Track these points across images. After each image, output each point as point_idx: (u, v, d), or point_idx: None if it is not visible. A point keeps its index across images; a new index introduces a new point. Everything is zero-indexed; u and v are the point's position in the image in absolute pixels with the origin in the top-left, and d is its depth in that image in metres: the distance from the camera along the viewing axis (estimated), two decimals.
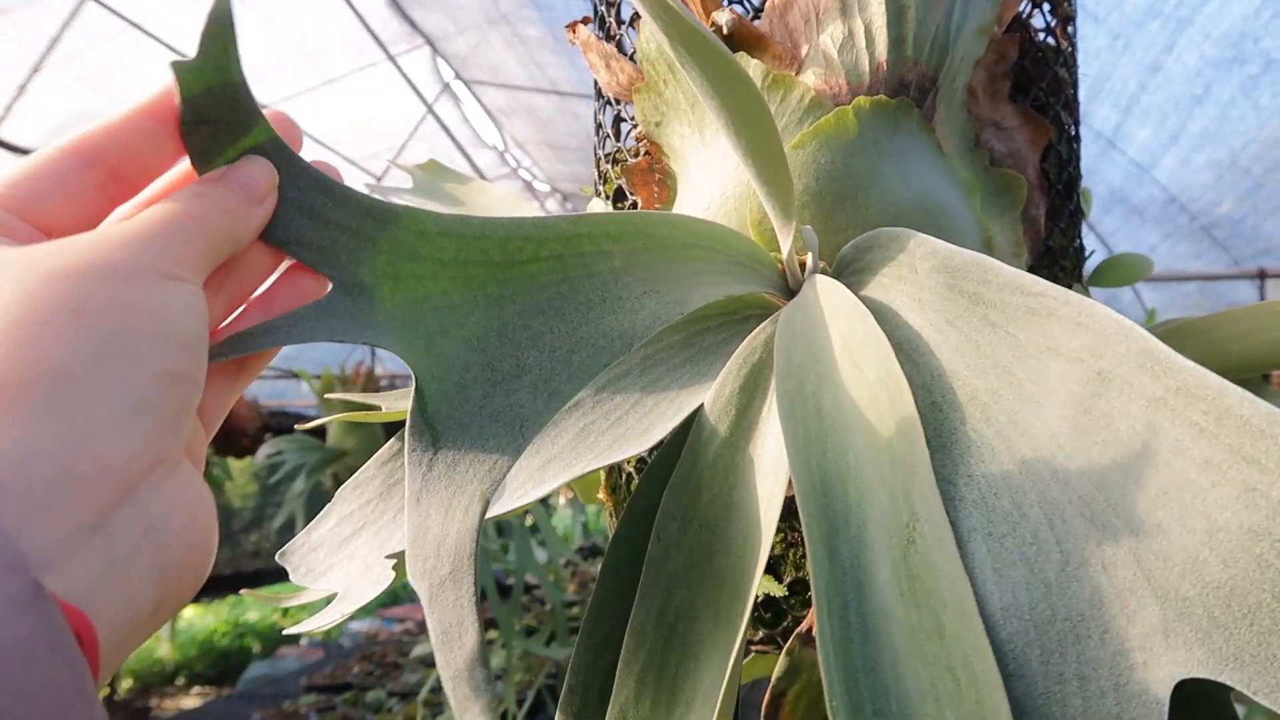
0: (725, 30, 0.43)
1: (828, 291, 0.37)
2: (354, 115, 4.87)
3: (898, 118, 0.42)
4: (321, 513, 0.43)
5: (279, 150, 0.31)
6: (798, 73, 0.44)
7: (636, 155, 0.52)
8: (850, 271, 0.39)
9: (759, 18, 0.47)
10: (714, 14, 0.43)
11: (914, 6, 0.42)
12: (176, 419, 0.26)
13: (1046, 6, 0.51)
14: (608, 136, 0.55)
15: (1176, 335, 0.45)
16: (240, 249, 0.30)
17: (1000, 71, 0.47)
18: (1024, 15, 0.50)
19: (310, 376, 3.22)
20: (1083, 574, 0.24)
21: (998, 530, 0.27)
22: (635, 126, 0.51)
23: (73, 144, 0.29)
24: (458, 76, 5.23)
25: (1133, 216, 3.58)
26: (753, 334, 0.39)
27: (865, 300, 0.36)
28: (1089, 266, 0.66)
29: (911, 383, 0.32)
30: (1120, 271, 0.57)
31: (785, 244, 0.39)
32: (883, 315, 0.35)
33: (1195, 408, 0.24)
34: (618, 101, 0.53)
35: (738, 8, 0.47)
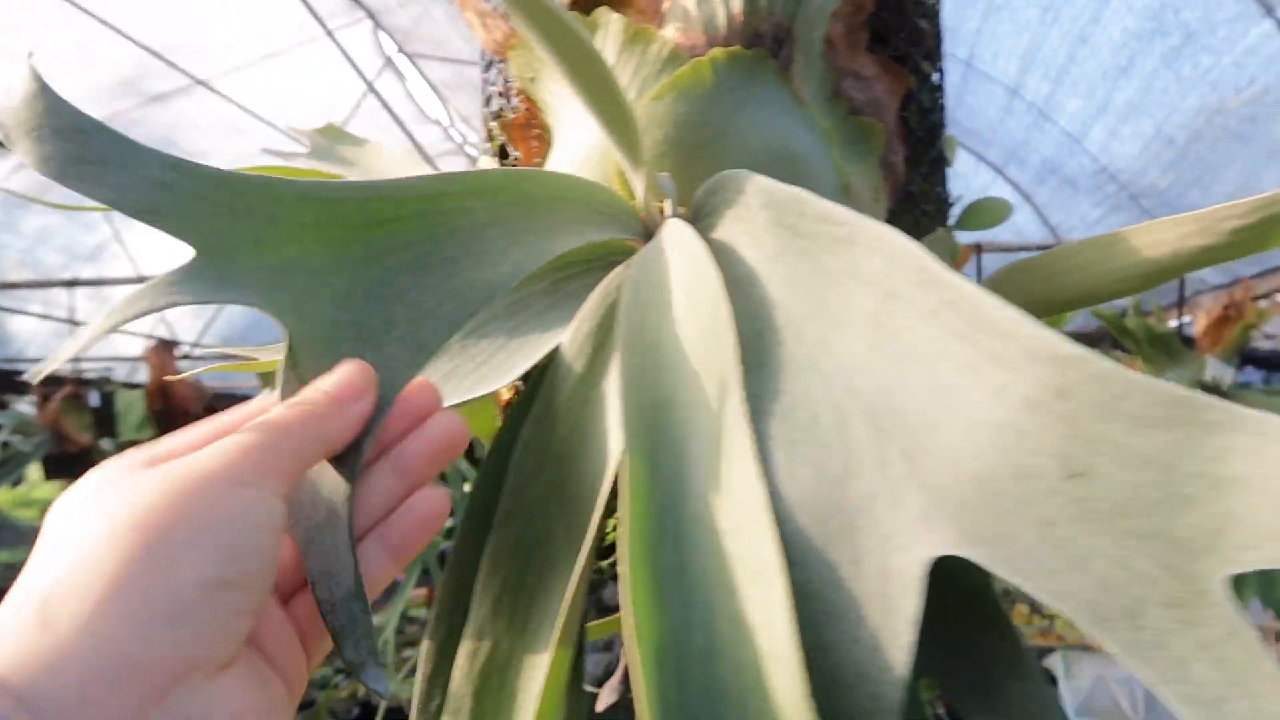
0: None
1: (675, 234, 0.38)
2: (297, 90, 4.78)
3: (753, 69, 0.44)
4: None
5: (119, 142, 0.31)
6: (660, 26, 0.45)
7: (516, 113, 0.53)
8: (702, 215, 0.41)
9: None
10: None
11: None
12: (219, 625, 0.27)
13: None
14: (494, 95, 0.56)
15: (1021, 271, 0.48)
16: (337, 448, 0.32)
17: (858, 23, 0.49)
18: None
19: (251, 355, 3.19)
20: (861, 472, 0.27)
21: (795, 438, 0.29)
22: (513, 85, 0.53)
23: None
24: (400, 50, 5.16)
25: (1065, 187, 3.66)
26: (608, 277, 0.40)
27: (712, 241, 0.38)
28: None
29: (743, 313, 0.34)
30: (983, 216, 0.60)
31: (639, 191, 0.41)
32: (725, 254, 0.37)
33: (960, 317, 0.27)
34: (497, 60, 0.54)
35: None
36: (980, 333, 0.26)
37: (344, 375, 0.32)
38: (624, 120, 0.38)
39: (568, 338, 0.39)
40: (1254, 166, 2.78)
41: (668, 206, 0.42)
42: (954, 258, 0.56)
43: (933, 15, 0.54)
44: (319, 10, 4.28)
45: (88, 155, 0.30)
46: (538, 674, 0.34)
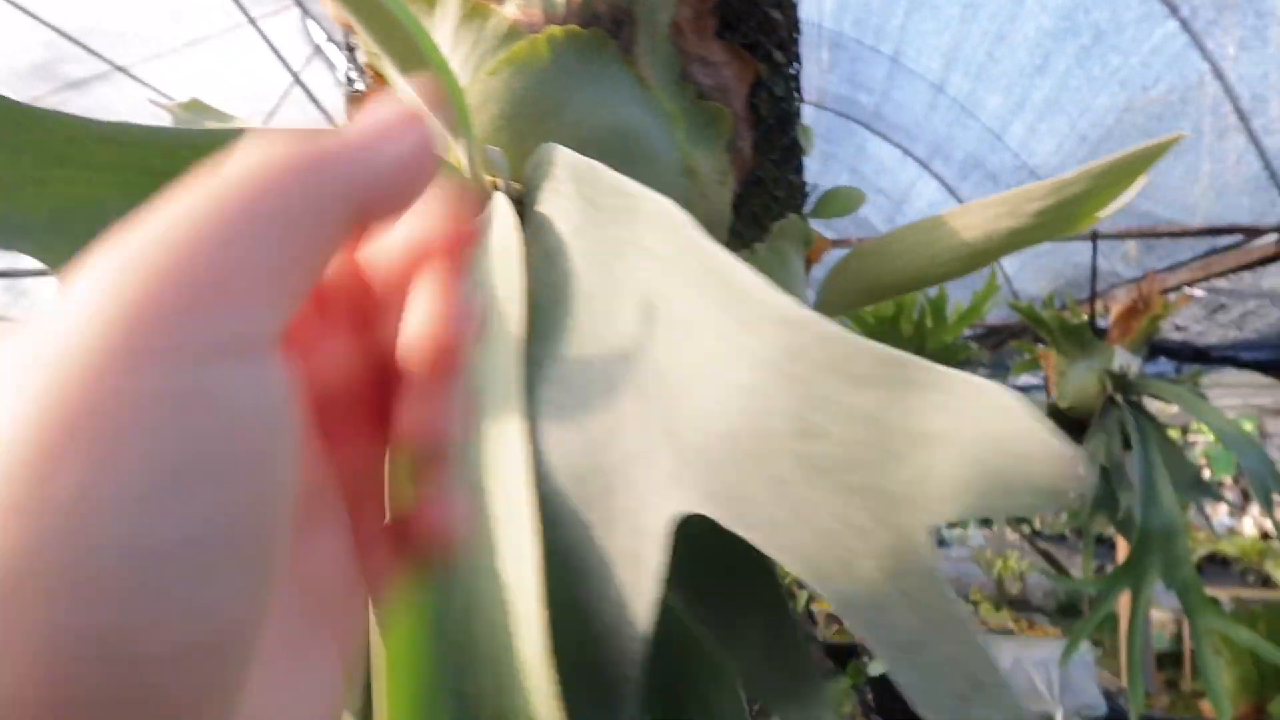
0: None
1: (497, 207, 0.39)
2: (222, 79, 4.67)
3: (591, 48, 0.45)
4: None
5: None
6: (500, 4, 0.46)
7: (367, 89, 0.53)
8: (530, 188, 0.41)
9: None
10: None
11: None
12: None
13: None
14: (346, 72, 0.56)
15: (859, 257, 0.50)
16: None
17: (706, 9, 0.50)
18: None
19: None
20: (623, 436, 0.28)
21: (565, 402, 0.30)
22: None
23: None
24: (330, 39, 5.07)
25: (987, 182, 3.74)
26: None
27: (536, 214, 0.39)
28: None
29: (548, 283, 0.35)
30: (836, 204, 0.62)
31: (464, 163, 0.41)
32: (543, 226, 0.38)
33: (718, 286, 0.27)
34: (350, 37, 0.54)
35: None
36: (734, 299, 0.27)
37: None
38: (446, 93, 0.38)
39: None
40: (1162, 164, 2.87)
41: (500, 180, 0.42)
42: (809, 244, 0.57)
43: (786, 6, 0.55)
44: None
45: None
46: None
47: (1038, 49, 2.74)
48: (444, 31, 0.45)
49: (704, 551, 0.28)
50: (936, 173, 4.01)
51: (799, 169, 0.57)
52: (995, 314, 4.49)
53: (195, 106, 0.64)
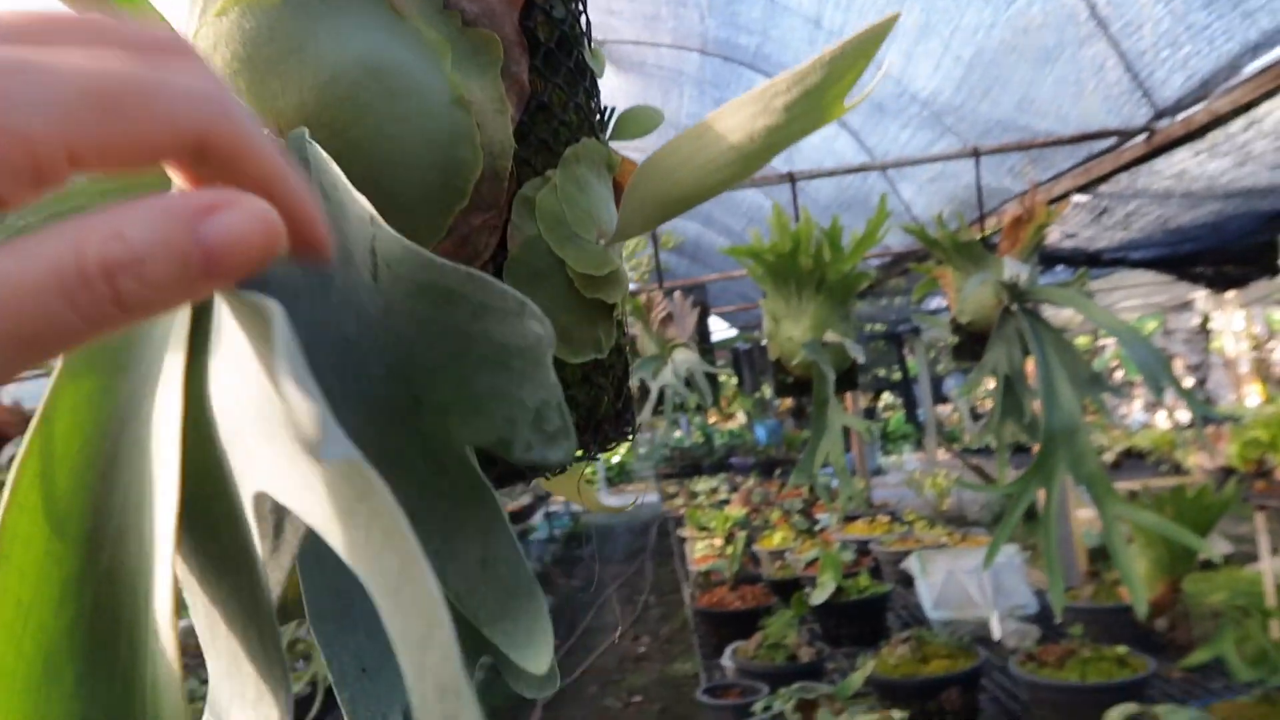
0: None
1: None
2: None
3: None
4: None
5: None
6: None
7: None
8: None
9: None
10: None
11: None
12: None
13: None
14: None
15: (642, 175, 0.49)
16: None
17: None
18: None
19: None
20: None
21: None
22: None
23: None
24: None
25: (875, 113, 3.79)
26: None
27: None
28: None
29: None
30: (633, 126, 0.61)
31: None
32: None
33: None
34: None
35: None
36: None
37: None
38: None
39: None
40: (1035, 79, 2.94)
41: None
42: (611, 168, 0.56)
43: None
44: None
45: None
46: None
47: None
48: None
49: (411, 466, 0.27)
50: None
51: (591, 92, 0.56)
52: (890, 241, 4.57)
53: None
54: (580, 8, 0.56)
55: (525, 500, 9.22)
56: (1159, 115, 2.64)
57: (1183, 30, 2.29)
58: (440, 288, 0.29)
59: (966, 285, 2.65)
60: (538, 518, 10.16)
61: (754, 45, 3.91)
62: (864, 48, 0.38)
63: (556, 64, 0.53)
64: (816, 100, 0.39)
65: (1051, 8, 2.54)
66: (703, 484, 7.76)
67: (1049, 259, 4.41)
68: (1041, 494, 2.22)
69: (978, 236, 2.89)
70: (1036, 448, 2.35)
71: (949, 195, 4.05)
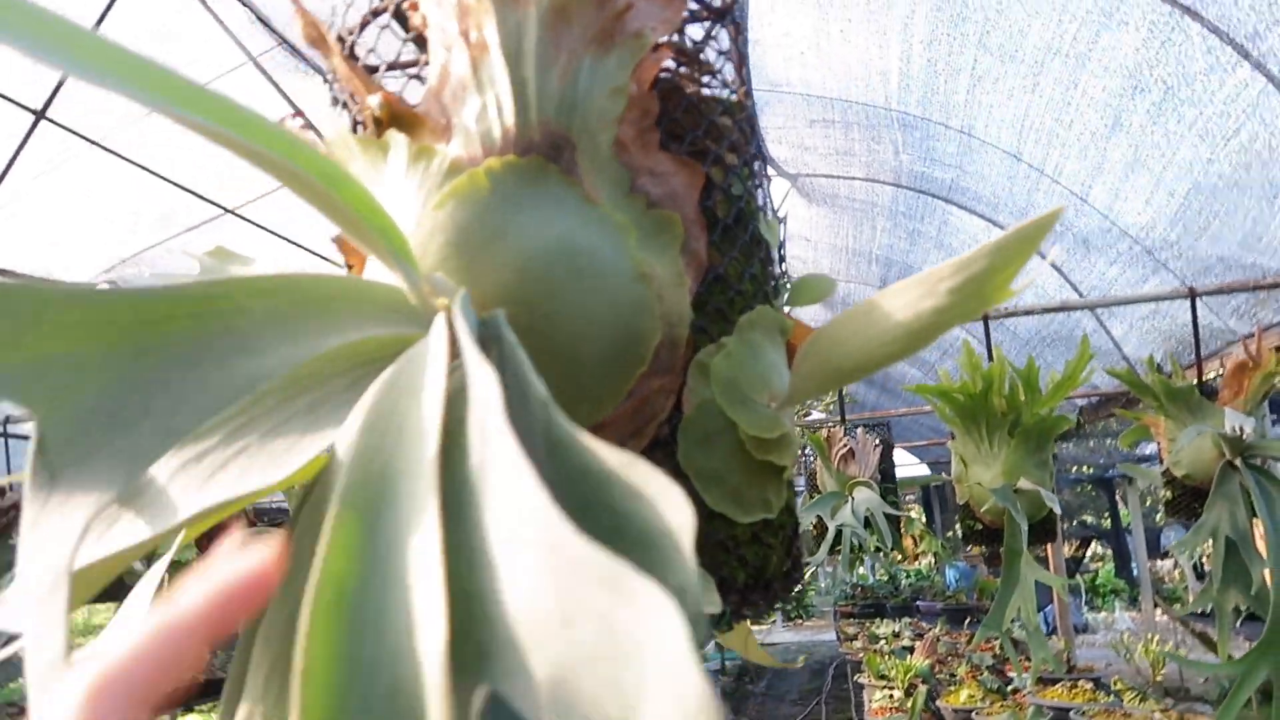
0: (377, 112, 0.49)
1: (438, 327, 0.42)
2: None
3: (530, 174, 0.48)
4: None
5: None
6: (446, 142, 0.50)
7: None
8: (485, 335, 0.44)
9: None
10: (368, 97, 0.50)
11: (533, 79, 0.48)
12: None
13: (696, 66, 0.57)
14: None
15: (814, 344, 0.50)
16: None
17: (647, 125, 0.53)
18: (680, 72, 0.56)
19: None
20: None
21: None
22: None
23: None
24: None
25: (1079, 246, 3.65)
26: (383, 373, 0.44)
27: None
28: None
29: None
30: (807, 292, 0.63)
31: (408, 291, 0.45)
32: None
33: (505, 458, 0.30)
34: None
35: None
36: (513, 477, 0.30)
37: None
38: (378, 227, 0.42)
39: (341, 431, 0.42)
40: (1264, 214, 2.75)
41: (457, 303, 0.45)
42: (785, 333, 0.58)
43: (735, 110, 0.58)
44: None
45: None
46: None
47: (1108, 110, 2.70)
48: (396, 172, 0.49)
49: None
50: None
51: (766, 261, 0.59)
52: (1109, 380, 4.29)
53: (220, 254, 0.70)
54: (757, 183, 0.59)
55: None
56: None
57: None
58: (601, 470, 0.31)
59: (1182, 436, 2.46)
60: (710, 647, 9.93)
61: (950, 179, 3.89)
62: (1027, 239, 0.39)
63: (734, 238, 0.56)
64: (980, 287, 0.39)
65: (1277, 141, 2.39)
66: (885, 627, 7.36)
67: (1276, 408, 4.01)
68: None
69: (1194, 382, 2.69)
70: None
71: (1164, 334, 3.80)
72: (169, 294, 0.40)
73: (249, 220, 4.50)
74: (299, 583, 0.40)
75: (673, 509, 0.27)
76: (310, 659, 0.28)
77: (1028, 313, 2.84)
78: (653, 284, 0.51)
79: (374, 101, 0.49)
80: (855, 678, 5.44)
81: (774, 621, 16.48)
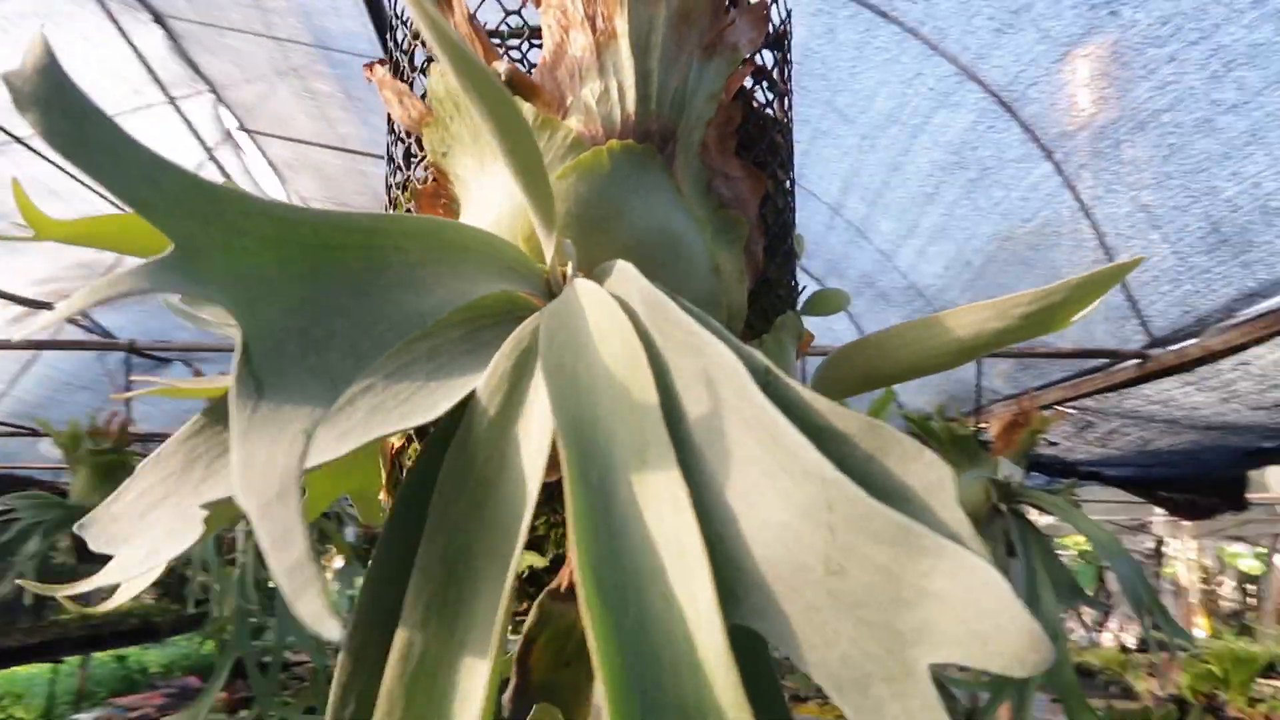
0: (503, 78, 0.51)
1: (586, 290, 0.45)
2: None
3: (643, 160, 0.52)
4: (121, 487, 0.45)
5: (116, 132, 0.35)
6: (563, 118, 0.52)
7: (425, 183, 0.58)
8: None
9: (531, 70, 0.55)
10: (493, 63, 0.51)
11: (656, 72, 0.52)
12: None
13: (765, 84, 0.63)
14: (398, 168, 0.61)
15: (857, 349, 0.57)
16: None
17: (728, 131, 0.58)
18: (749, 88, 0.62)
19: (56, 430, 2.97)
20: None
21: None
22: (423, 158, 0.58)
23: None
24: (241, 126, 5.07)
25: (879, 300, 3.98)
26: (522, 325, 0.46)
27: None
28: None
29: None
30: (825, 303, 0.70)
31: (549, 253, 0.47)
32: None
33: (764, 431, 0.33)
34: (407, 136, 0.60)
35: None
36: (778, 446, 0.33)
37: None
38: (545, 189, 0.44)
39: (483, 380, 0.44)
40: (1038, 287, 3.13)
41: (569, 269, 0.48)
42: (800, 338, 0.64)
43: (786, 131, 0.64)
44: (161, 77, 4.18)
45: (90, 139, 0.33)
46: (471, 675, 0.37)
47: (929, 179, 2.99)
48: None
49: None
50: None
51: (794, 272, 0.65)
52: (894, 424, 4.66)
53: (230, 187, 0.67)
54: (792, 199, 0.65)
55: None
56: (1153, 343, 2.82)
57: (1185, 270, 2.49)
58: (839, 431, 0.35)
59: (962, 479, 2.75)
60: None
61: None
62: (1104, 281, 0.47)
63: (777, 247, 0.62)
64: (1053, 314, 0.47)
65: (1066, 231, 2.75)
66: None
67: (1029, 463, 4.54)
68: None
69: (973, 431, 3.00)
70: None
71: (936, 389, 4.21)
72: (342, 221, 0.41)
73: (39, 153, 4.06)
74: (455, 515, 0.41)
75: (929, 466, 0.32)
76: (601, 653, 0.30)
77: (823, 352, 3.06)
78: (723, 278, 0.56)
79: (501, 68, 0.51)
80: None
81: None
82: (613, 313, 0.42)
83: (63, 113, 0.34)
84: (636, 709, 0.28)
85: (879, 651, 0.29)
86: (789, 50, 0.66)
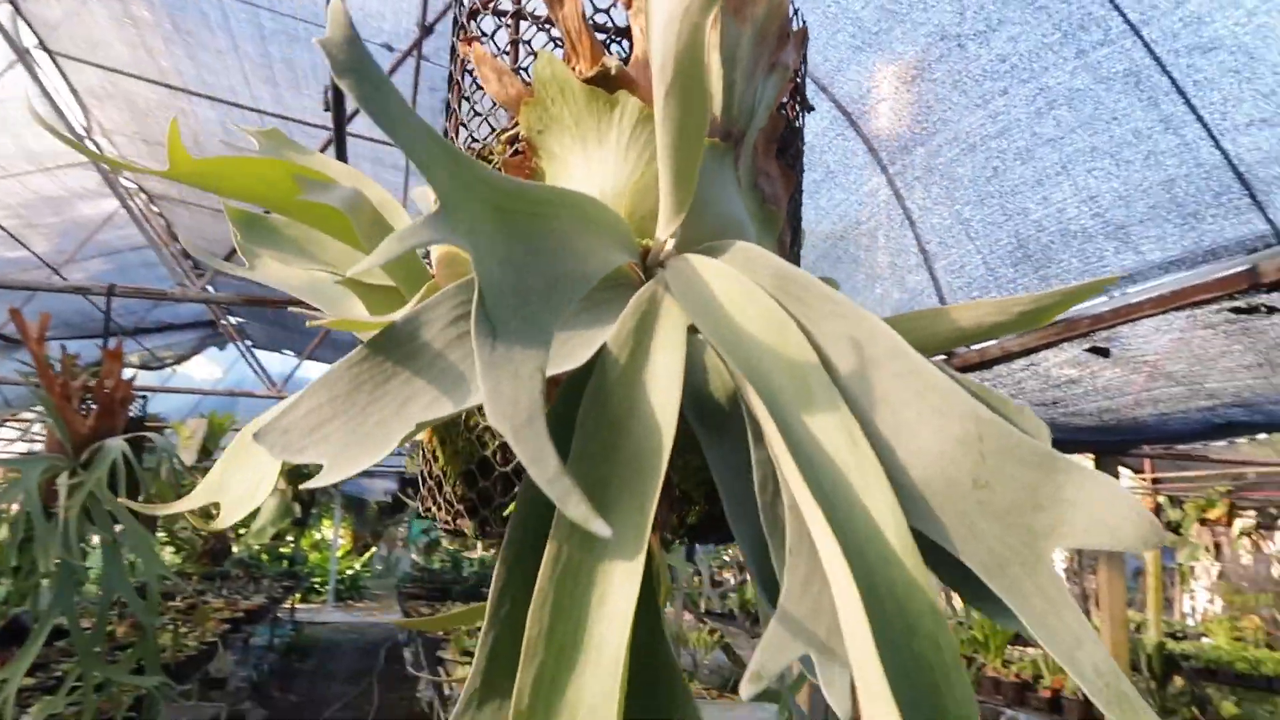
0: (613, 72, 0.58)
1: (702, 264, 0.52)
2: None
3: (724, 157, 0.60)
4: (289, 401, 0.48)
5: (402, 101, 0.40)
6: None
7: (489, 154, 0.64)
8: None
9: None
10: (604, 59, 0.58)
11: (739, 83, 0.60)
12: None
13: (799, 99, 0.72)
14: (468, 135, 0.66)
15: (916, 318, 0.68)
16: None
17: (774, 135, 0.67)
18: (784, 102, 0.71)
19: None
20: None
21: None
22: (502, 131, 0.64)
23: None
24: (41, 45, 4.60)
25: None
26: (640, 291, 0.53)
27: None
28: None
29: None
30: None
31: (665, 231, 0.55)
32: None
33: (921, 382, 0.44)
34: (500, 107, 0.65)
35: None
36: (933, 393, 0.43)
37: None
38: (690, 180, 0.52)
39: (612, 335, 0.51)
40: (860, 291, 3.42)
41: (670, 246, 0.56)
42: None
43: (803, 139, 0.74)
44: None
45: (390, 108, 0.38)
46: (606, 577, 0.45)
47: None
48: (624, 127, 0.58)
49: None
50: None
51: (799, 260, 0.75)
52: None
53: (275, 138, 0.69)
54: (801, 204, 0.75)
55: (260, 601, 8.59)
56: None
57: (992, 279, 2.81)
58: (971, 387, 0.46)
59: None
60: (266, 623, 9.43)
61: None
62: (1089, 289, 0.60)
63: (796, 238, 0.72)
64: (1041, 314, 0.60)
65: (894, 234, 3.02)
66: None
67: None
68: None
69: None
70: None
71: None
72: (520, 190, 0.47)
73: None
74: (593, 449, 0.48)
75: (1030, 418, 0.43)
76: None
77: None
78: None
79: (612, 64, 0.57)
80: (437, 652, 5.59)
81: (325, 601, 15.98)
82: (740, 282, 0.50)
83: (371, 83, 0.38)
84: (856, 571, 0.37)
85: (1017, 544, 0.39)
86: (805, 76, 0.76)
